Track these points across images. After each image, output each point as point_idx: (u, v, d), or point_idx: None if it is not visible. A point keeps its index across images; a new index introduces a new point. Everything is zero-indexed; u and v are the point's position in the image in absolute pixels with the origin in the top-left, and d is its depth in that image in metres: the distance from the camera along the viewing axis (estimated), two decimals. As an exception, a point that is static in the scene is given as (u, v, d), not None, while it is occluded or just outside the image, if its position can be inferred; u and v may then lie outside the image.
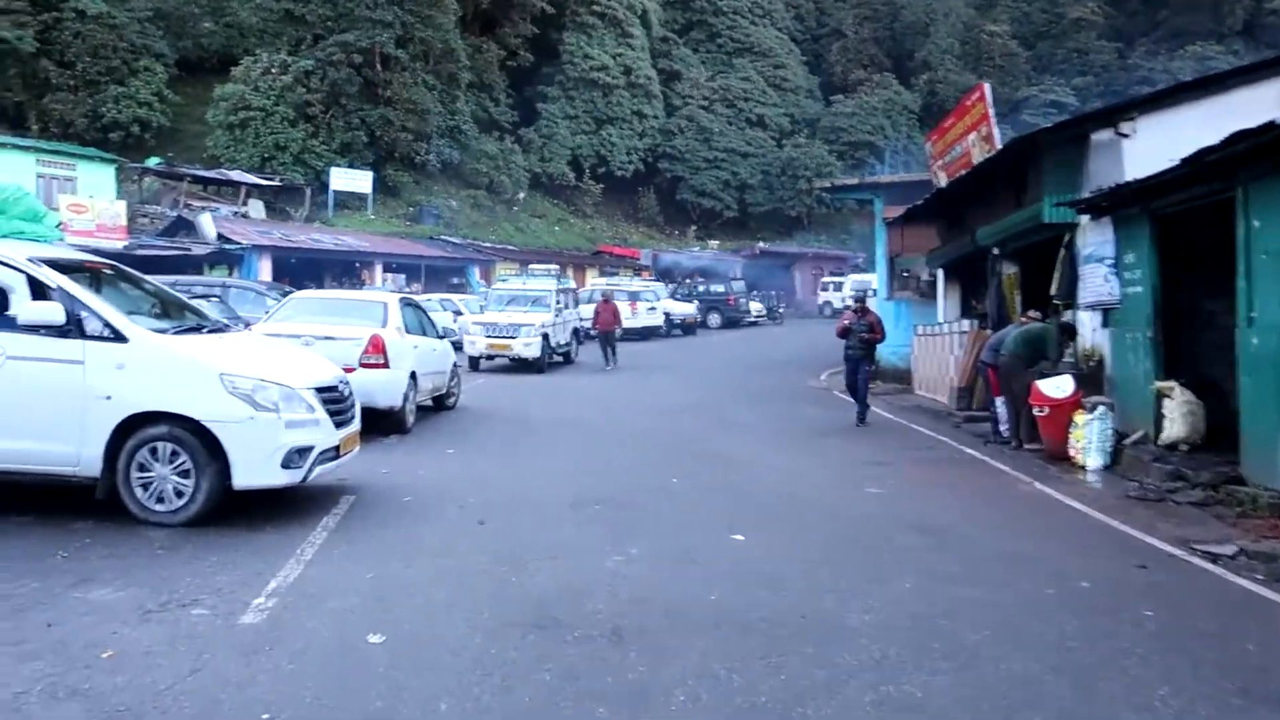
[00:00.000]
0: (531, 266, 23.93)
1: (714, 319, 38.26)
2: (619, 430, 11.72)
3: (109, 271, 7.14)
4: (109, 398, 6.00)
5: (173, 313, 7.27)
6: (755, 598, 5.04)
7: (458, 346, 18.23)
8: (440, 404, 12.94)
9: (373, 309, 10.89)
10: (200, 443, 6.06)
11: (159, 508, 6.11)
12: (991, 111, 13.52)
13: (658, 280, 38.03)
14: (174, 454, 6.08)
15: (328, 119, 42.20)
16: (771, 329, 39.36)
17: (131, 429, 6.06)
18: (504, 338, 19.72)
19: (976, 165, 12.94)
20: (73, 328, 6.05)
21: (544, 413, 13.21)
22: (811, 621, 4.70)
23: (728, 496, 7.94)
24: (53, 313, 5.99)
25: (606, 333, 21.10)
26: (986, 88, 14.11)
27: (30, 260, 6.21)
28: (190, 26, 46.71)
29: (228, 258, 27.73)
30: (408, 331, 11.11)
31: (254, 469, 6.13)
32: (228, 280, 17.14)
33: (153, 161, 36.93)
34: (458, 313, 26.17)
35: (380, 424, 10.50)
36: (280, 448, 6.18)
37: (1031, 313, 11.63)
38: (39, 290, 6.18)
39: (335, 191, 40.21)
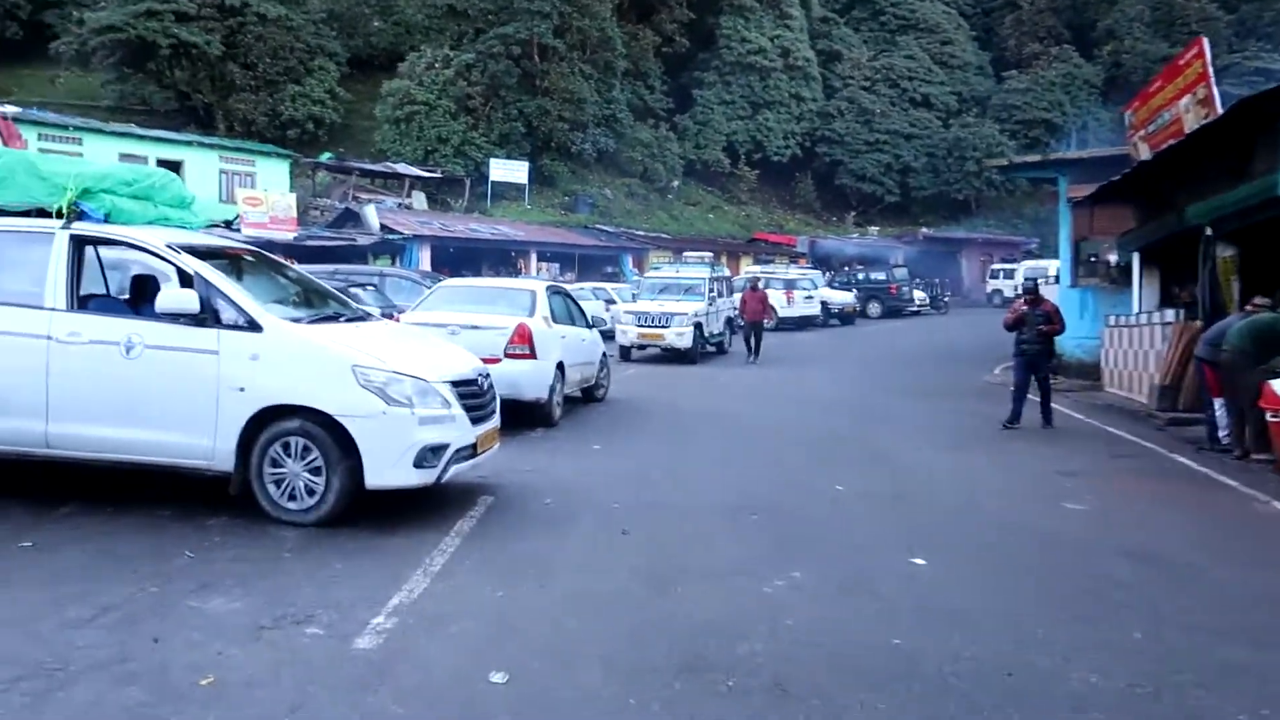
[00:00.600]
0: (685, 254, 23.32)
1: (874, 308, 36.61)
2: (777, 428, 10.92)
3: (250, 258, 6.94)
4: (243, 389, 5.73)
5: (314, 301, 7.00)
6: (947, 644, 4.18)
7: (609, 336, 17.87)
8: (589, 396, 12.49)
9: (520, 298, 10.51)
10: (332, 438, 5.70)
11: (291, 505, 5.80)
12: (1210, 71, 11.83)
13: (814, 268, 36.69)
14: (306, 449, 5.75)
15: (487, 111, 42.98)
16: (936, 319, 37.32)
17: (264, 422, 5.77)
18: (656, 327, 19.20)
19: (1190, 132, 11.32)
20: (208, 316, 5.81)
21: (696, 406, 12.56)
22: (1021, 682, 3.81)
23: (901, 509, 7.03)
24: (188, 301, 5.77)
25: (754, 323, 19.70)
26: (1205, 43, 12.36)
27: (169, 247, 6.01)
28: (361, 26, 48.65)
29: (390, 248, 28.49)
30: (556, 321, 10.67)
31: (386, 467, 5.73)
32: (385, 269, 17.37)
33: (325, 157, 38.57)
34: (610, 301, 25.91)
35: (526, 417, 10.11)
36: (413, 445, 5.75)
37: (1258, 300, 10.01)
38: (179, 278, 5.99)
39: (493, 182, 40.87)
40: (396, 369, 5.83)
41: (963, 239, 49.52)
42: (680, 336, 18.99)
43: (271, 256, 7.23)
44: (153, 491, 6.30)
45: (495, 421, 6.77)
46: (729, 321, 22.47)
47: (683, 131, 50.51)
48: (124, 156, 30.63)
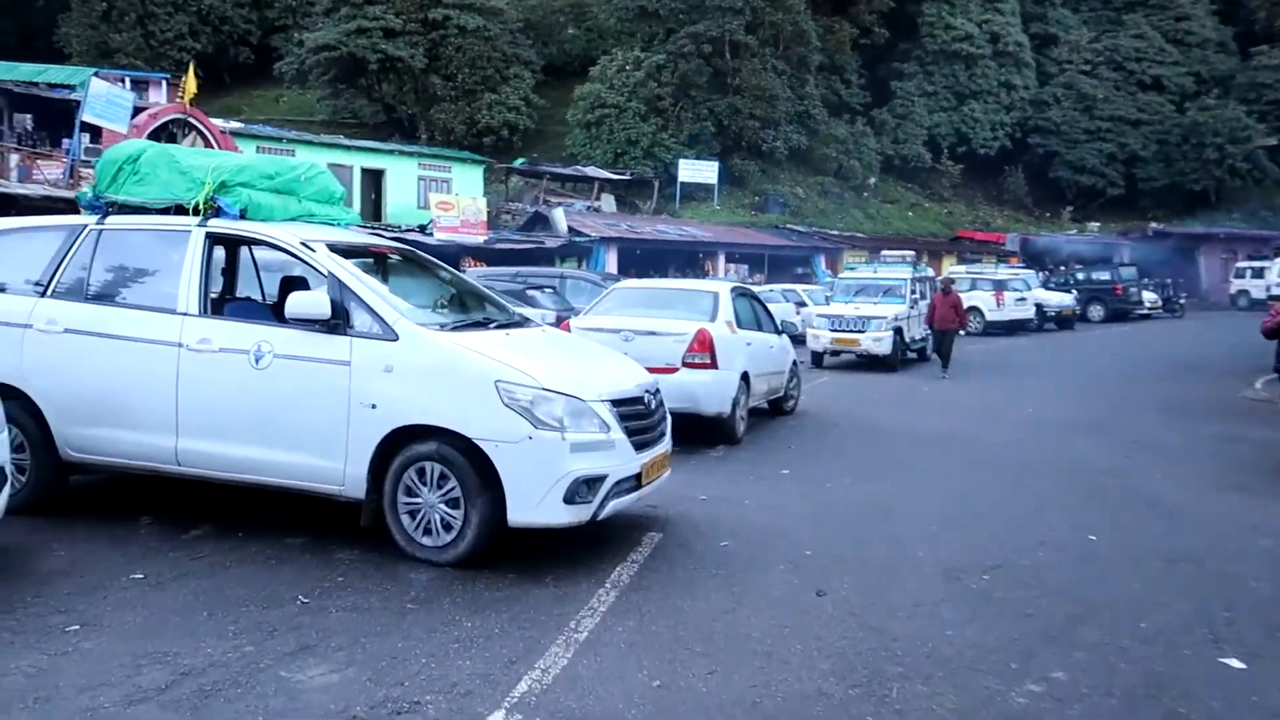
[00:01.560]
0: (883, 253, 21.57)
1: (1096, 311, 33.12)
2: (998, 452, 9.32)
3: (396, 258, 6.25)
4: (374, 406, 4.98)
5: (467, 304, 6.24)
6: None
7: (799, 341, 16.58)
8: (777, 408, 11.30)
9: (701, 300, 9.47)
10: (471, 466, 4.85)
11: (426, 541, 4.99)
12: None
13: (1027, 267, 33.60)
14: (443, 477, 4.93)
15: (677, 111, 42.43)
16: (1170, 323, 33.30)
17: (399, 444, 4.99)
18: (851, 332, 17.71)
19: None
20: (340, 322, 5.10)
21: (900, 423, 11.09)
22: None
23: (1186, 573, 5.43)
24: (318, 304, 5.08)
25: (944, 331, 16.76)
26: None
27: (303, 244, 5.36)
28: (555, 33, 49.38)
29: (577, 250, 28.29)
30: (740, 326, 9.55)
31: (531, 502, 4.82)
32: (565, 271, 16.87)
33: (518, 162, 39.22)
34: (801, 304, 24.49)
35: (705, 433, 9.07)
36: (563, 476, 4.81)
37: None
38: (314, 279, 5.33)
39: (682, 183, 40.24)
40: (546, 385, 4.90)
41: (1201, 234, 44.31)
42: (878, 342, 17.40)
43: (424, 256, 6.53)
44: (291, 514, 5.69)
45: (665, 445, 5.74)
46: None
47: (880, 126, 48.06)
48: (331, 166, 32.10)
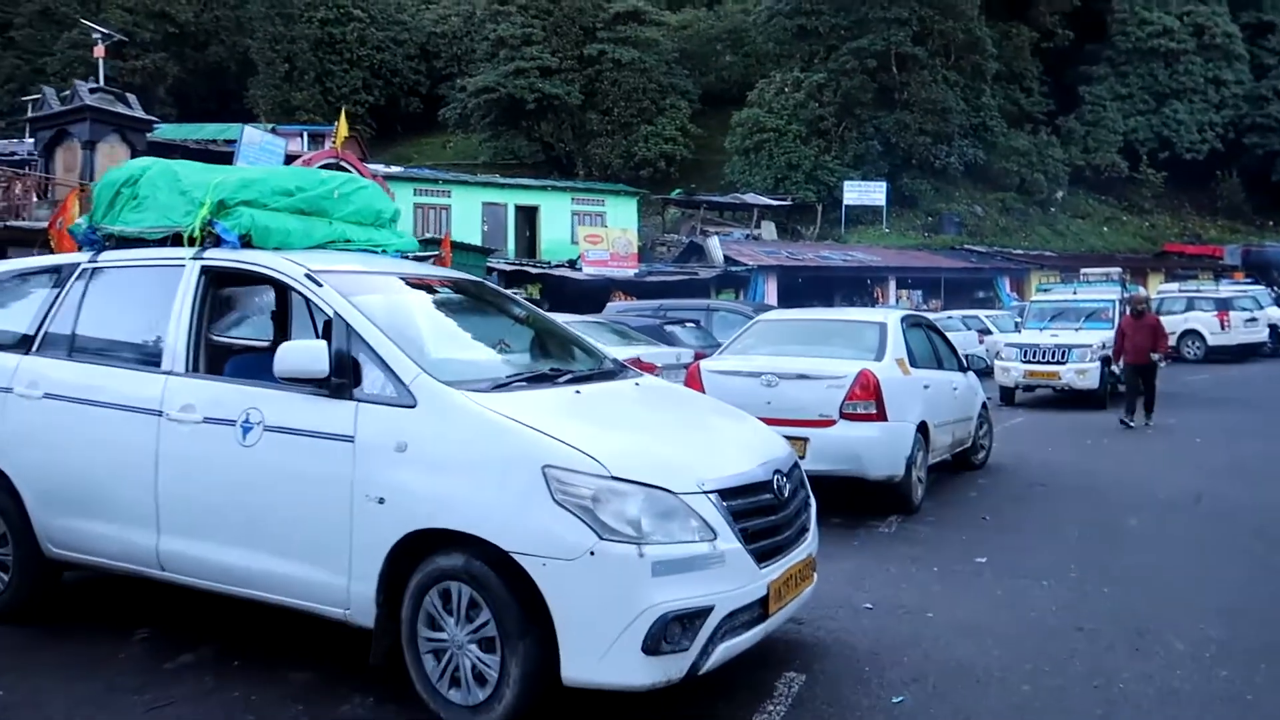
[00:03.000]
0: (1084, 271, 18.72)
1: (1344, 332, 28.34)
2: (1276, 524, 6.95)
3: (450, 291, 4.83)
4: (383, 500, 3.53)
5: (541, 350, 4.76)
6: None
7: (985, 374, 14.26)
8: (962, 461, 9.22)
9: (864, 334, 7.59)
10: (509, 591, 3.30)
11: (454, 696, 3.46)
12: None
13: (1255, 282, 29.21)
14: (473, 606, 3.40)
15: (840, 132, 40.33)
16: None
17: (418, 555, 3.51)
18: (1048, 363, 15.20)
19: None
20: (345, 382, 3.70)
21: (1124, 479, 8.78)
22: None
23: None
24: (312, 357, 3.69)
25: (1138, 367, 12.89)
26: None
27: (308, 276, 4.00)
28: (712, 62, 48.30)
29: (733, 280, 26.70)
30: (915, 364, 7.63)
31: (595, 650, 3.20)
32: (714, 303, 15.30)
33: (675, 194, 38.17)
34: (985, 331, 21.87)
35: (873, 499, 7.20)
36: (643, 613, 3.18)
37: None
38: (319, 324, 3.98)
39: (847, 206, 37.99)
40: (618, 472, 3.29)
41: None
42: (1083, 375, 14.81)
43: (492, 288, 5.10)
44: (309, 635, 4.30)
45: (808, 547, 4.00)
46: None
47: (1067, 135, 44.06)
48: (486, 205, 32.08)
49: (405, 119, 52.18)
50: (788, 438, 6.67)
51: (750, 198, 36.90)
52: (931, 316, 23.58)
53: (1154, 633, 4.56)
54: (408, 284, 4.61)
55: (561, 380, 4.08)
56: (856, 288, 29.94)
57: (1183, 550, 6.26)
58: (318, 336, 4.20)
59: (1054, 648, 4.36)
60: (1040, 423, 13.64)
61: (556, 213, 32.42)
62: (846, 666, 4.11)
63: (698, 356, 9.65)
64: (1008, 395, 16.02)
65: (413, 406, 3.56)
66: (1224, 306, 24.17)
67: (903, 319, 7.84)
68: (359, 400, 3.67)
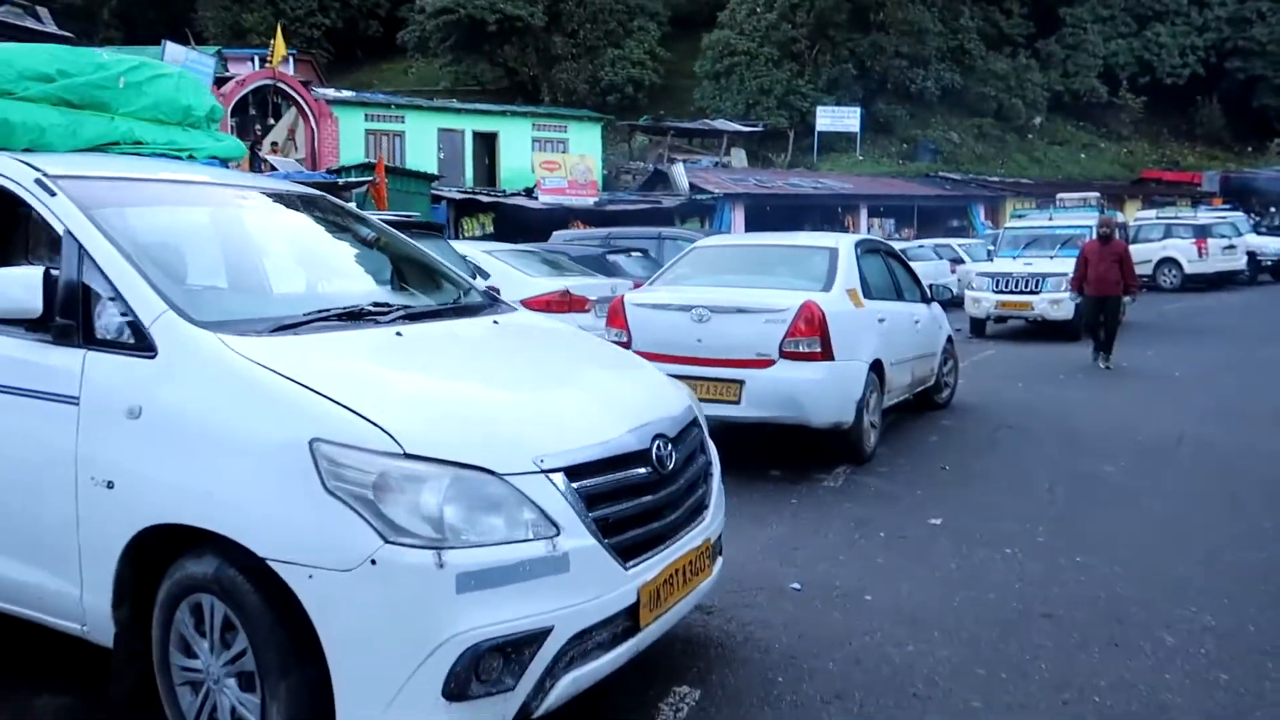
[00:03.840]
0: (1061, 197, 17.80)
1: (1320, 259, 27.72)
2: (1266, 472, 6.17)
3: (277, 207, 3.82)
4: (111, 485, 2.59)
5: (398, 279, 3.78)
6: None
7: (954, 305, 13.42)
8: (925, 400, 8.40)
9: (811, 260, 6.63)
10: (269, 609, 2.39)
11: (214, 742, 2.58)
12: None
13: (1233, 209, 28.37)
14: (228, 627, 2.49)
15: (813, 55, 38.81)
16: None
17: (166, 558, 2.59)
18: (1021, 293, 14.40)
19: None
20: (70, 323, 2.73)
21: (1099, 418, 8.00)
22: None
23: None
24: (20, 288, 2.71)
25: (1102, 299, 11.22)
26: None
27: (39, 182, 2.99)
28: (684, -19, 46.30)
29: (699, 209, 25.57)
30: (872, 295, 6.71)
31: (376, 696, 2.30)
32: (666, 231, 14.27)
33: (643, 120, 36.71)
34: (957, 260, 21.02)
35: (820, 447, 6.37)
36: (441, 644, 2.27)
37: None
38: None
39: (820, 133, 36.68)
40: (415, 446, 2.36)
41: None
42: (1056, 306, 14.00)
43: (336, 203, 4.07)
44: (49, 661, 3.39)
45: (704, 531, 3.10)
46: (1124, 283, 16.86)
47: (1047, 59, 42.68)
48: (442, 131, 30.58)
49: (365, 43, 49.94)
50: (720, 380, 5.83)
51: (720, 124, 35.54)
52: (901, 244, 22.84)
53: (1136, 621, 3.75)
54: (207, 197, 3.58)
55: (387, 319, 3.11)
56: (828, 216, 28.88)
57: (1167, 506, 5.46)
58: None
59: (1015, 645, 3.53)
60: (1011, 356, 12.85)
61: (516, 140, 30.95)
62: (754, 677, 3.26)
63: (636, 287, 8.70)
64: (978, 327, 15.26)
65: (152, 356, 2.61)
66: (1202, 234, 23.40)
67: (857, 244, 6.88)
68: (88, 348, 2.71)
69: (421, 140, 29.89)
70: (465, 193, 23.72)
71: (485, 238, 20.95)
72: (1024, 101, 40.65)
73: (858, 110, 36.90)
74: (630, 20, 41.60)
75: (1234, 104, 43.52)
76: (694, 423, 3.23)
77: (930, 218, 30.30)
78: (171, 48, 19.09)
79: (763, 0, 38.97)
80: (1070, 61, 42.30)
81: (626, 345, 6.27)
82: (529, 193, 24.30)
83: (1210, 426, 7.68)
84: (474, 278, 8.57)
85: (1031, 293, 14.34)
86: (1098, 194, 17.73)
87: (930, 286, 8.46)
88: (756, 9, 39.02)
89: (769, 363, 5.89)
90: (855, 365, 6.17)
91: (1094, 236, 11.74)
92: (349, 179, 16.53)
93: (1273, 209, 33.01)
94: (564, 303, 7.99)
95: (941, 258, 21.15)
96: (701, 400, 5.98)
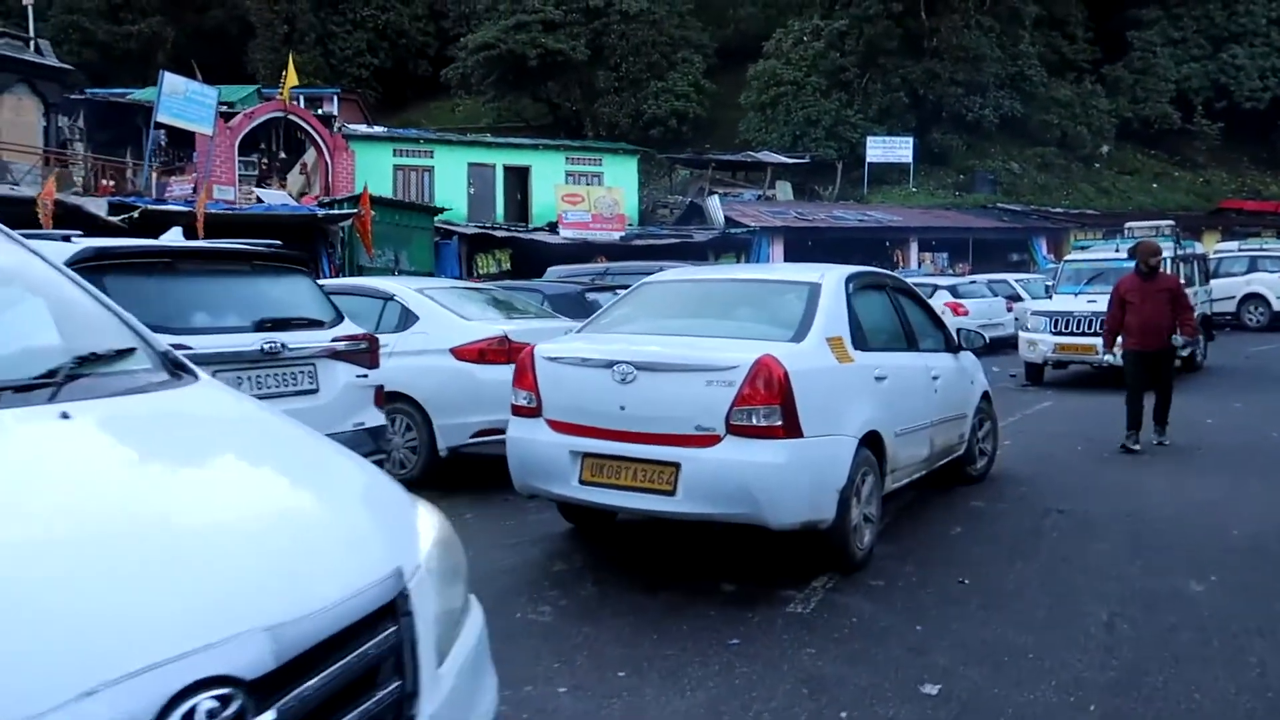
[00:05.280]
0: (1130, 225, 15.86)
1: None
2: None
3: None
4: None
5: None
6: None
7: (1003, 345, 11.63)
8: (956, 471, 6.71)
9: (782, 301, 5.01)
10: None
11: None
12: None
13: (1326, 241, 25.85)
14: None
15: (863, 84, 37.27)
16: None
17: None
18: (1083, 334, 12.53)
19: None
20: None
21: (1179, 501, 6.22)
22: None
23: None
24: None
25: (1146, 355, 8.24)
26: None
27: None
28: (729, 13, 45.31)
29: (734, 243, 24.07)
30: (868, 345, 5.10)
31: None
32: (668, 264, 12.72)
33: (684, 154, 35.54)
34: (1014, 298, 19.13)
35: (797, 544, 4.76)
36: None
37: None
38: None
39: (871, 165, 34.99)
40: None
41: None
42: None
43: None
44: None
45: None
46: (1206, 323, 14.85)
47: (1114, 84, 40.46)
48: (472, 166, 29.70)
49: (415, 83, 49.79)
50: (649, 463, 4.28)
51: (764, 155, 34.13)
52: (953, 280, 20.97)
53: None
54: None
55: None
56: (875, 250, 27.12)
57: (1282, 654, 3.72)
58: None
59: None
60: (1072, 409, 11.02)
61: (550, 174, 29.89)
62: None
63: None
64: (1035, 373, 13.41)
65: None
66: (1293, 269, 21.11)
67: (848, 279, 5.25)
68: None
69: (451, 175, 29.04)
70: (481, 227, 22.58)
71: (501, 275, 19.74)
72: (1089, 129, 38.45)
73: (910, 140, 35.17)
74: (674, 53, 40.65)
75: (1321, 129, 40.65)
76: (385, 615, 1.68)
77: (987, 251, 28.33)
78: (170, 79, 18.36)
79: (810, 28, 37.66)
80: (1139, 87, 40.02)
81: (535, 412, 4.77)
82: (552, 228, 23.08)
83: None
84: (403, 320, 7.18)
85: (1095, 334, 12.43)
86: (1172, 222, 15.75)
87: (960, 332, 6.78)
88: (804, 38, 37.71)
89: (712, 439, 4.32)
90: (836, 441, 4.55)
91: (1134, 270, 8.44)
92: (330, 212, 15.41)
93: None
94: (501, 351, 6.53)
95: (997, 295, 19.32)
96: (628, 489, 4.48)
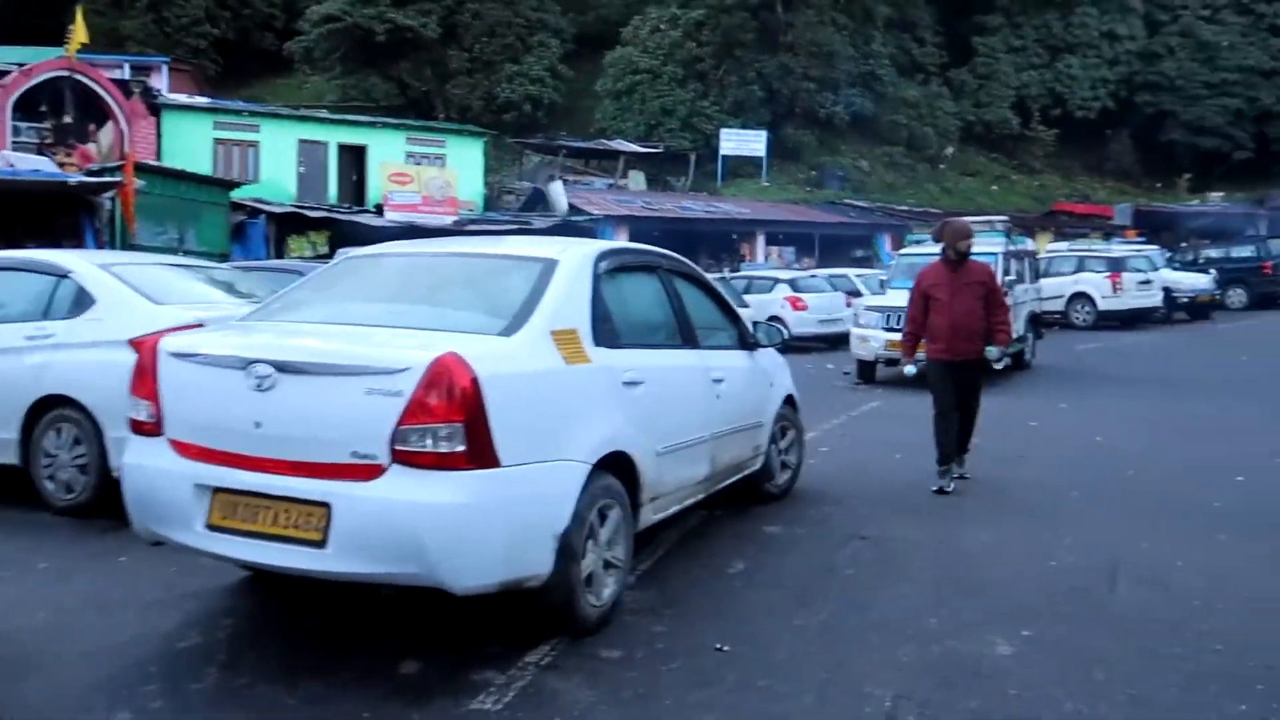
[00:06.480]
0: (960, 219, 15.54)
1: (1236, 296, 26.34)
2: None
3: None
4: None
5: None
6: None
7: (831, 341, 10.93)
8: (756, 489, 5.76)
9: (504, 282, 3.80)
10: None
11: None
12: None
13: (1146, 242, 26.80)
14: None
15: (719, 76, 36.83)
16: (1334, 312, 26.34)
17: None
18: (915, 332, 11.97)
19: None
20: None
21: (1000, 523, 5.45)
22: None
23: None
24: None
25: (957, 367, 6.36)
26: None
27: None
28: (590, -1, 44.16)
29: (576, 231, 22.93)
30: (620, 341, 4.00)
31: None
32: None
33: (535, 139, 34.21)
34: (854, 293, 18.73)
35: (508, 608, 3.61)
36: None
37: None
38: None
39: (725, 157, 34.51)
40: None
41: (1360, 201, 36.54)
42: (957, 346, 11.58)
43: None
44: None
45: None
46: (1034, 321, 14.67)
47: (959, 88, 41.52)
48: (303, 143, 27.47)
49: (259, 56, 46.38)
50: (291, 502, 3.02)
51: (618, 144, 33.14)
52: (791, 275, 20.47)
53: None
54: None
55: None
56: (723, 243, 26.55)
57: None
58: None
59: None
60: (901, 409, 10.36)
61: (388, 154, 27.86)
62: None
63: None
64: (866, 371, 12.86)
65: None
66: (1116, 267, 21.58)
67: (600, 257, 4.13)
68: None
69: (279, 152, 26.72)
70: (298, 206, 20.66)
71: (317, 259, 17.97)
72: (935, 130, 39.26)
73: (764, 134, 34.92)
74: (530, 35, 39.24)
75: (1144, 138, 42.85)
76: None
77: (833, 247, 28.20)
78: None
79: (668, 17, 36.94)
80: (983, 92, 41.18)
81: (155, 429, 3.46)
82: (380, 210, 21.36)
83: (1160, 542, 5.16)
84: (77, 303, 5.68)
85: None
86: (1005, 218, 15.56)
87: (757, 326, 5.80)
88: (661, 26, 36.98)
89: (374, 470, 3.12)
90: (555, 469, 3.42)
91: (942, 257, 6.51)
92: (85, 180, 13.40)
93: (1184, 244, 31.84)
94: (191, 344, 5.10)
95: (837, 290, 18.89)
96: (266, 537, 3.22)
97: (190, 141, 24.98)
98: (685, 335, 4.73)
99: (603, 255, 4.18)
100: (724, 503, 5.60)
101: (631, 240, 23.27)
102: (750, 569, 4.62)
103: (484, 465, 3.14)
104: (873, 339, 12.38)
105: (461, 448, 3.09)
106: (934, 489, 6.24)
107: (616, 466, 3.80)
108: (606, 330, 3.93)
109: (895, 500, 6.07)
